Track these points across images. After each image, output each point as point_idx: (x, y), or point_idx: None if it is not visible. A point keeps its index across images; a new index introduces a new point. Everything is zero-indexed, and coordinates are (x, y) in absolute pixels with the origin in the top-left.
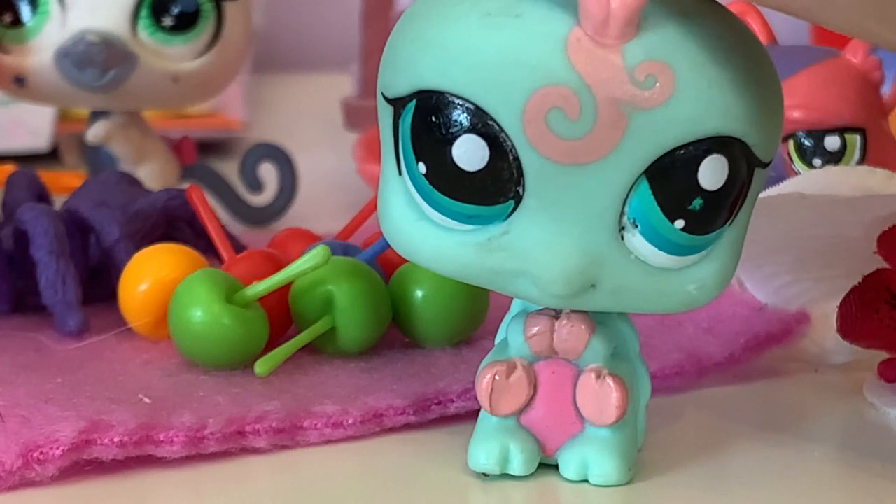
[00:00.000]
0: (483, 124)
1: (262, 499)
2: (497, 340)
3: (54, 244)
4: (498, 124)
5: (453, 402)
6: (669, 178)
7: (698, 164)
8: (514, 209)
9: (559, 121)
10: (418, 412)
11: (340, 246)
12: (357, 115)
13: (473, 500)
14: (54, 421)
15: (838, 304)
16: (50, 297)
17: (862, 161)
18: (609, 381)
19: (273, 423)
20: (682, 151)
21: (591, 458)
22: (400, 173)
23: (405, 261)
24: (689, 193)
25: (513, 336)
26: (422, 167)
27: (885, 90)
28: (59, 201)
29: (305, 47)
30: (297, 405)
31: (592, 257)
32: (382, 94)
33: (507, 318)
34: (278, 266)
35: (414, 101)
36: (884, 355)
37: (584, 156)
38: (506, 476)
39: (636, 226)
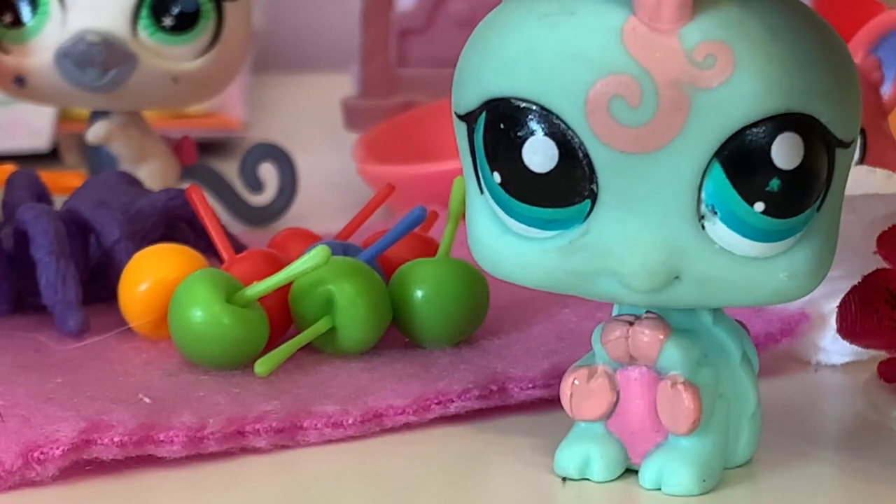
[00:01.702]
0: (550, 124)
1: (262, 499)
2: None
3: (54, 244)
4: (564, 122)
5: (453, 402)
6: (742, 159)
7: (771, 143)
8: (592, 209)
9: (622, 109)
10: (418, 412)
11: (340, 246)
12: (357, 115)
13: (474, 500)
14: (54, 421)
15: (838, 304)
16: (50, 297)
17: (862, 161)
18: (682, 389)
19: (273, 423)
20: (751, 131)
21: (666, 467)
22: (482, 191)
23: (405, 261)
24: (765, 174)
25: (596, 342)
26: (496, 177)
27: (885, 90)
28: (59, 201)
29: (305, 47)
30: (297, 405)
31: (673, 248)
32: (456, 113)
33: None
34: (278, 266)
35: (484, 113)
36: (884, 355)
37: (651, 142)
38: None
39: (715, 213)
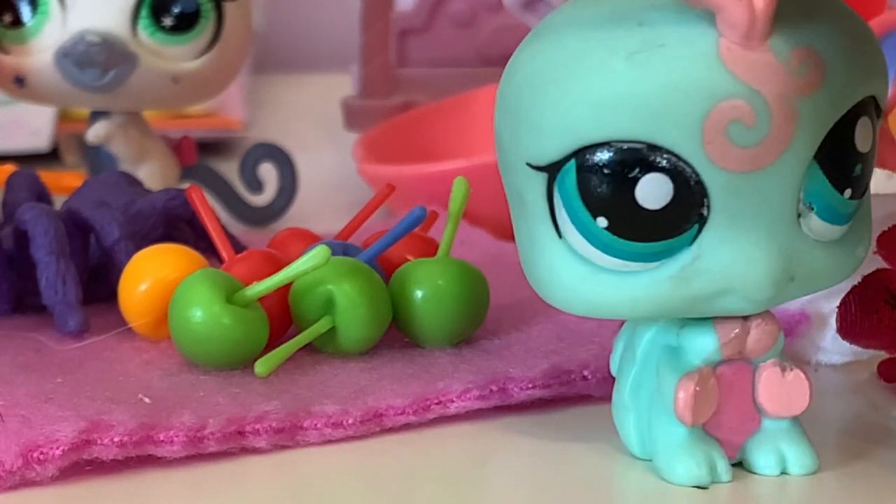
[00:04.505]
0: (661, 160)
1: (262, 499)
2: (618, 358)
3: (54, 244)
4: (675, 155)
5: (453, 402)
6: (835, 153)
7: (854, 132)
8: (699, 232)
9: (739, 132)
10: (418, 412)
11: (340, 246)
12: (357, 115)
13: (474, 500)
14: (54, 421)
15: (837, 304)
16: (50, 297)
17: None
18: (797, 372)
19: (273, 423)
20: (840, 125)
21: (788, 450)
22: (560, 236)
23: (405, 261)
24: (852, 161)
25: (693, 343)
26: (602, 221)
27: None
28: (59, 201)
29: (305, 47)
30: (297, 405)
31: (787, 253)
32: (529, 164)
33: (624, 334)
34: (278, 266)
35: (573, 161)
36: (884, 355)
37: (766, 158)
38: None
39: (812, 209)
